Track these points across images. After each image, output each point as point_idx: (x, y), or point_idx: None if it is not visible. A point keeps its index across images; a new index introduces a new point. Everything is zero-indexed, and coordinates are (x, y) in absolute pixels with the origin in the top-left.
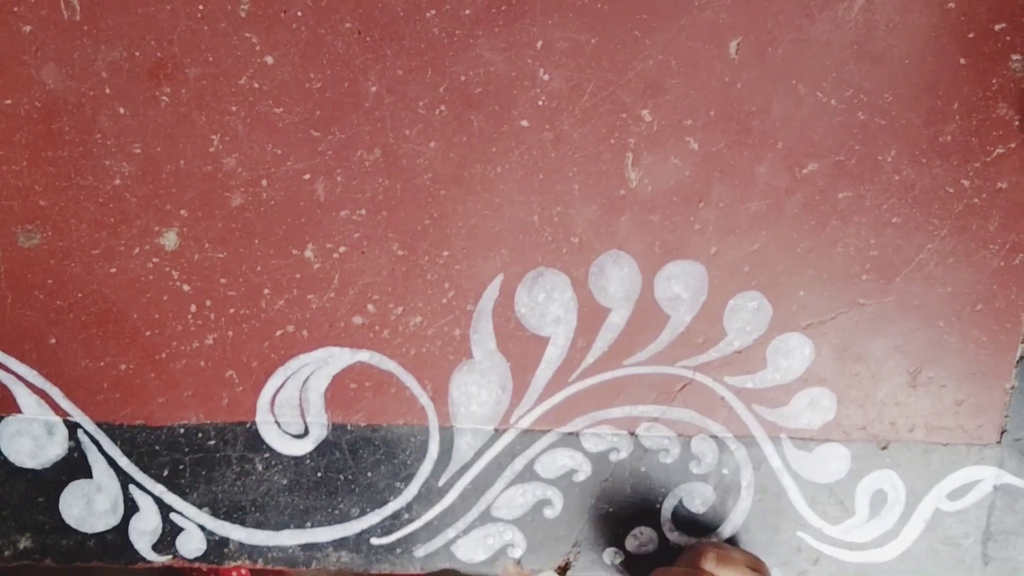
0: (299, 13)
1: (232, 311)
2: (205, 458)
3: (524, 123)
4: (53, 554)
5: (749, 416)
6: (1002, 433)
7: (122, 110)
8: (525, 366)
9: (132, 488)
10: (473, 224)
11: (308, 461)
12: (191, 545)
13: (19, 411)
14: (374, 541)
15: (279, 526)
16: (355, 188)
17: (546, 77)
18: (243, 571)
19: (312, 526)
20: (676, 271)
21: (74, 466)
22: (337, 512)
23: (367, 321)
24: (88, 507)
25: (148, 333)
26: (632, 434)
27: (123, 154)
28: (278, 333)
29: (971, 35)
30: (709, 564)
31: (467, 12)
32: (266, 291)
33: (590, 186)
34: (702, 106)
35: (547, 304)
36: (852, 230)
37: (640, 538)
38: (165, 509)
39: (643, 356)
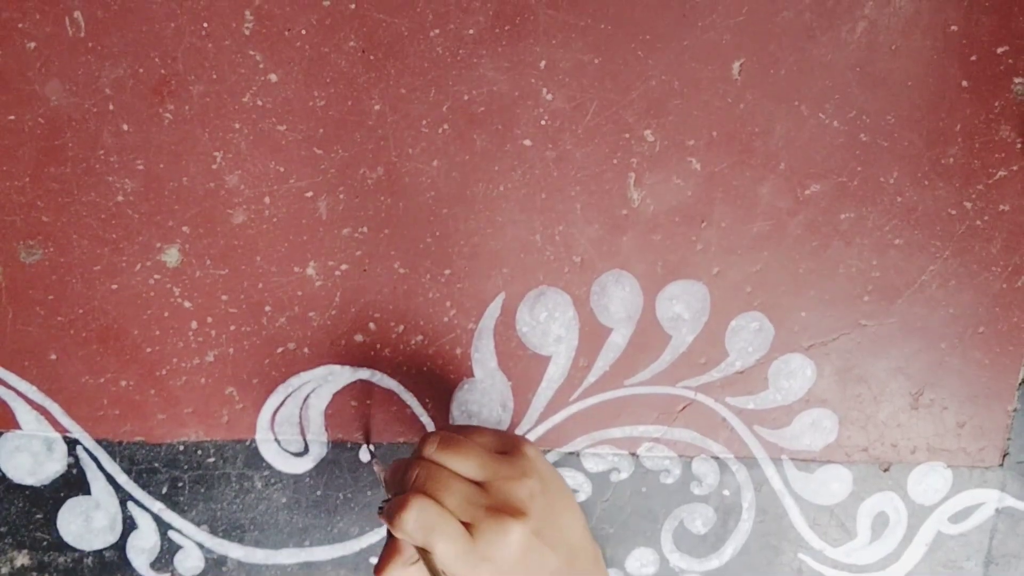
0: (303, 31)
1: (233, 328)
2: (204, 475)
3: (527, 142)
4: (51, 572)
5: (751, 437)
6: (1004, 456)
7: (125, 127)
8: (526, 385)
9: (131, 505)
10: (475, 243)
11: (308, 479)
12: (189, 563)
13: (18, 427)
14: (374, 560)
15: (278, 545)
16: (357, 206)
17: (549, 96)
18: None
19: (311, 545)
20: (678, 291)
21: (73, 483)
22: (336, 531)
23: (368, 339)
24: (86, 524)
25: (149, 350)
26: (633, 454)
27: (126, 170)
28: (279, 350)
29: (973, 58)
30: (430, 451)
31: (471, 31)
32: (267, 308)
33: (592, 205)
34: (704, 126)
35: (548, 323)
36: (854, 251)
37: (641, 560)
38: (163, 527)
39: (644, 376)
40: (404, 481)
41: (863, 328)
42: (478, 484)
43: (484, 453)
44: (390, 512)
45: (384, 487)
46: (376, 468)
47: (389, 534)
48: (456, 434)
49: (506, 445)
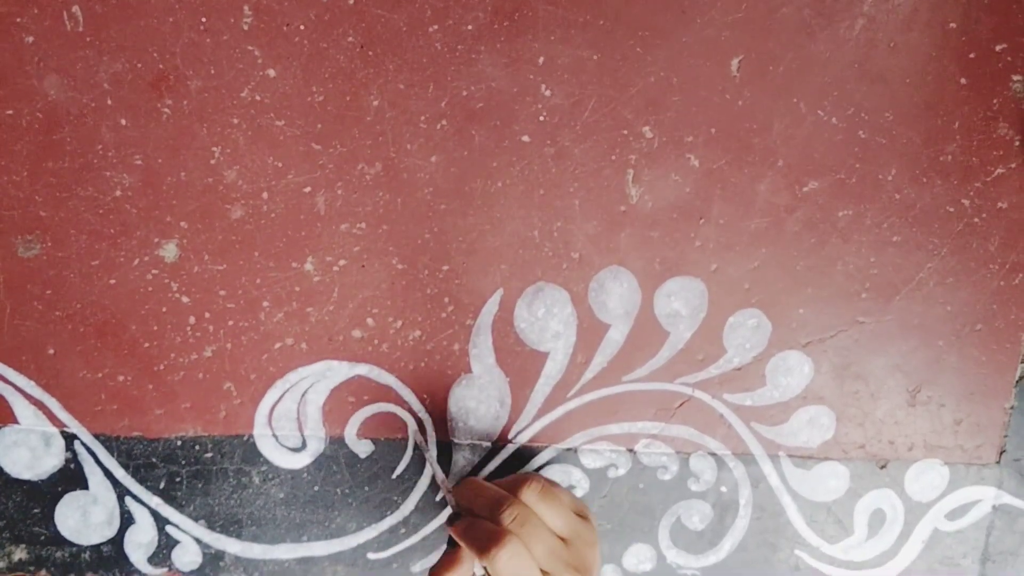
0: (302, 27)
1: (231, 323)
2: (202, 471)
3: (525, 138)
4: (48, 566)
5: (748, 433)
6: (1001, 453)
7: (123, 121)
8: (524, 381)
9: (128, 500)
10: (473, 239)
11: (305, 475)
12: (186, 558)
13: (16, 422)
14: (371, 556)
15: (275, 540)
16: (356, 201)
17: (548, 93)
18: None
19: (308, 540)
20: (676, 287)
21: (70, 477)
22: (334, 526)
23: (366, 335)
24: (84, 519)
25: (146, 345)
26: (631, 451)
27: (124, 165)
28: (277, 346)
29: (972, 55)
30: (530, 497)
31: (469, 27)
32: (265, 304)
33: (591, 202)
34: (703, 123)
35: (547, 319)
36: (852, 248)
37: (638, 556)
38: (161, 522)
39: (642, 372)
40: (496, 516)
41: (861, 325)
42: (560, 538)
43: (570, 512)
44: (480, 541)
45: (451, 502)
46: (448, 496)
47: (450, 543)
48: (552, 486)
49: (579, 509)
